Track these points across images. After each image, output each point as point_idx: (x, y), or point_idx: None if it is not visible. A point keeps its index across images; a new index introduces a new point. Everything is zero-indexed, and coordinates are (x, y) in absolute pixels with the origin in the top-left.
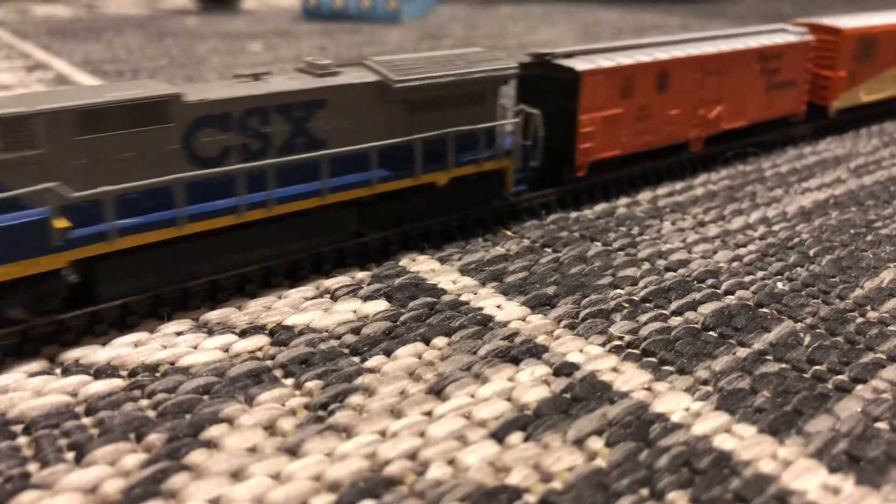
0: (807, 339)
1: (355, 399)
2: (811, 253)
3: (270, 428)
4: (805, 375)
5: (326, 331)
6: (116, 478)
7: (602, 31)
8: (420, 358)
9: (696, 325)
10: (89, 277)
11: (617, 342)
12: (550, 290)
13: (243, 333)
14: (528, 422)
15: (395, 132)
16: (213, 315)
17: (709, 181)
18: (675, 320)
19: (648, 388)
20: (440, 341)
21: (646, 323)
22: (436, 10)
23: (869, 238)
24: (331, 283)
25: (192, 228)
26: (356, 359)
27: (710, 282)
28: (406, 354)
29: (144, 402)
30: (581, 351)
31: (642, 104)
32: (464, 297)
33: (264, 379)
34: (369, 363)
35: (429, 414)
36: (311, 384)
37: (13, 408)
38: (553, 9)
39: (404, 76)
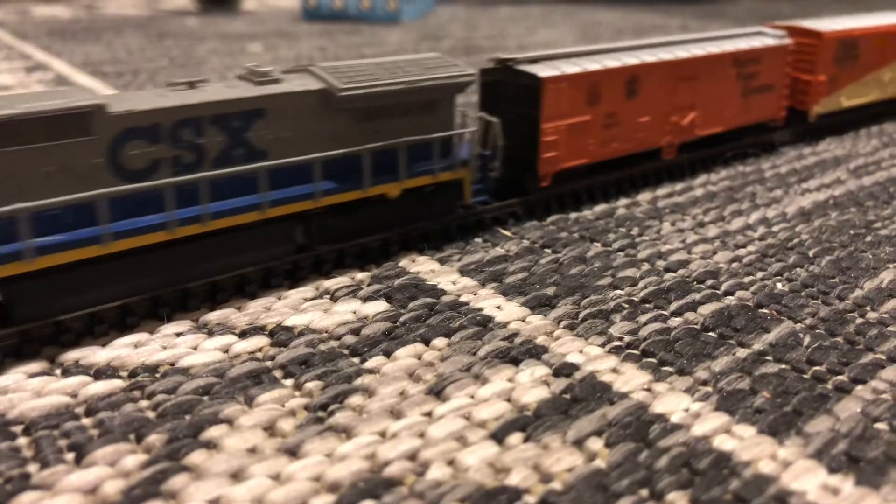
0: (806, 340)
1: (355, 400)
2: (811, 254)
3: (270, 429)
4: (805, 376)
5: (326, 331)
6: (116, 478)
7: (602, 32)
8: (420, 359)
9: (695, 326)
10: (9, 297)
11: (617, 343)
12: (550, 290)
13: (243, 334)
14: (527, 422)
15: (342, 142)
16: (213, 316)
17: (708, 182)
18: (675, 321)
19: (648, 389)
20: (440, 342)
21: (645, 323)
22: (435, 11)
23: (868, 239)
24: (330, 283)
25: (118, 246)
26: (356, 359)
27: (709, 282)
28: (406, 355)
29: (144, 403)
30: (581, 351)
31: (610, 111)
32: (463, 298)
33: (264, 380)
34: (369, 364)
35: (428, 415)
36: (310, 385)
37: (13, 408)
38: (553, 10)
39: (350, 84)
